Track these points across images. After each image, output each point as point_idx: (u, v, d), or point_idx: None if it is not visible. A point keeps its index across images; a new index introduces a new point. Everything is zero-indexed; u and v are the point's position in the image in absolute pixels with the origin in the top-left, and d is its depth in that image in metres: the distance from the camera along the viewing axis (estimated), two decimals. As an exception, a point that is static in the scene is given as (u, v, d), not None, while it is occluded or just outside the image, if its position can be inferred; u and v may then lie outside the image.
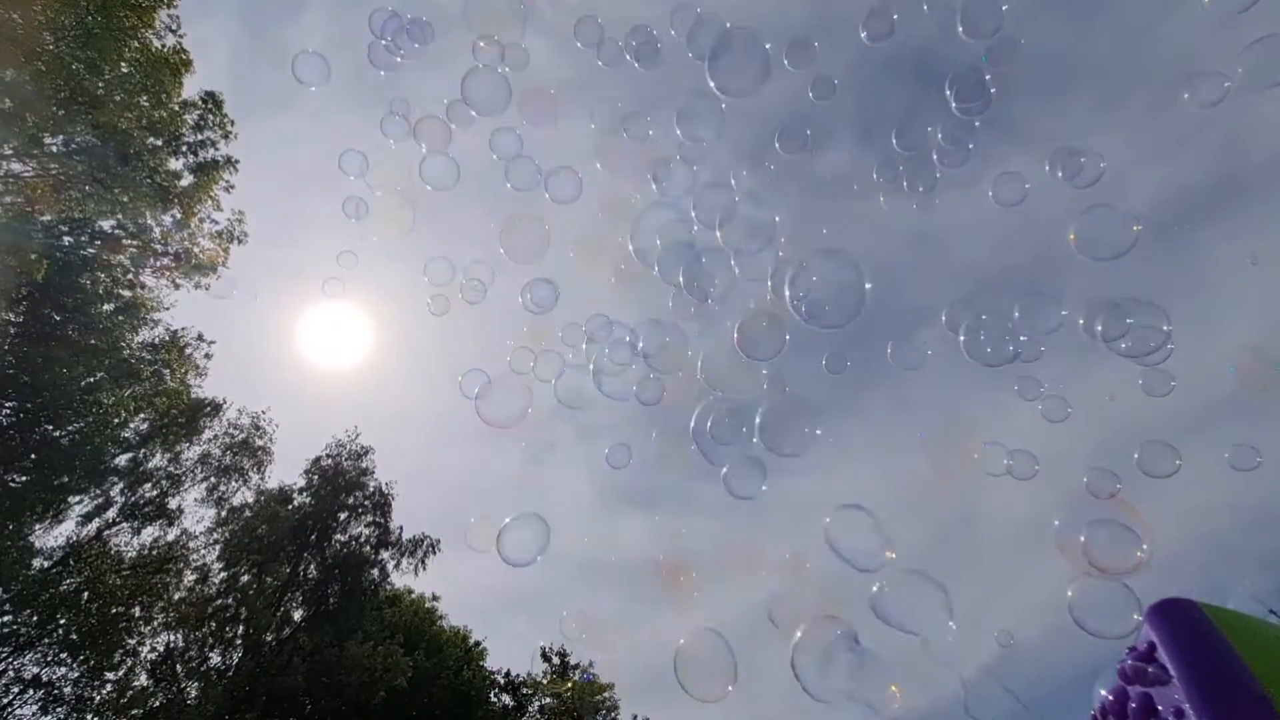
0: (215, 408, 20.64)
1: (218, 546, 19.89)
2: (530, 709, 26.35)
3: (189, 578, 19.09)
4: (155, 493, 18.77)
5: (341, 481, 22.30)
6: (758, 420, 5.07)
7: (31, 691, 15.43)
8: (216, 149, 18.17)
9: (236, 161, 18.46)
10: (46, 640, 15.54)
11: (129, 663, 17.15)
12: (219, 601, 19.37)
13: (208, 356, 19.49)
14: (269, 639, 19.43)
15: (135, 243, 17.64)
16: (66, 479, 16.22)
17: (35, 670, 15.61)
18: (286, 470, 27.40)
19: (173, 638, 18.40)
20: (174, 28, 16.86)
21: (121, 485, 18.14)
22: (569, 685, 25.70)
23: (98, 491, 17.49)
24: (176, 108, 17.33)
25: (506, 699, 26.27)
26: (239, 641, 19.19)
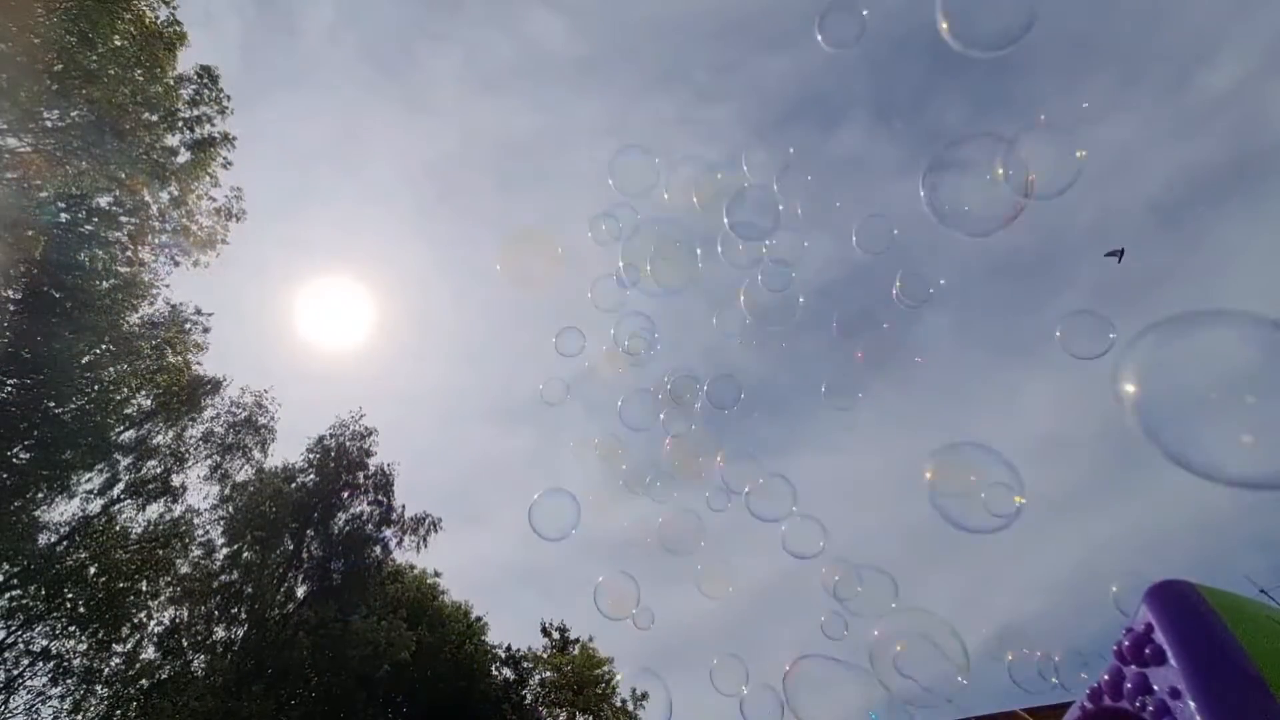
0: (215, 385, 20.67)
1: (222, 523, 20.08)
2: (530, 682, 26.83)
3: (194, 553, 19.29)
4: (160, 469, 18.88)
5: (344, 460, 22.47)
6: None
7: (41, 664, 15.69)
8: (213, 125, 17.89)
9: (234, 138, 18.18)
10: (55, 614, 15.75)
11: (136, 636, 17.42)
12: (224, 577, 19.60)
13: (206, 330, 19.37)
14: (274, 614, 19.70)
15: (133, 219, 17.48)
16: (70, 455, 16.28)
17: (44, 643, 15.86)
18: (293, 448, 27.62)
19: (178, 612, 18.66)
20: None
21: (126, 462, 18.23)
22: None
23: (103, 468, 17.58)
24: (171, 82, 17.03)
25: (507, 672, 26.74)
26: (244, 616, 19.46)
